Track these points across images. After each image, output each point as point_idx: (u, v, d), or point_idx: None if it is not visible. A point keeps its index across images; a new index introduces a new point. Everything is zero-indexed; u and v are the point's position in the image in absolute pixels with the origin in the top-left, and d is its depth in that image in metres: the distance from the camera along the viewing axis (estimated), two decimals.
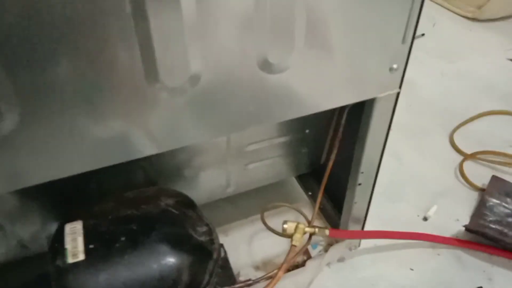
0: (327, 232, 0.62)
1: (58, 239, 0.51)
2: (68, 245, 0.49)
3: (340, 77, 0.47)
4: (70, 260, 0.48)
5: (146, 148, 0.42)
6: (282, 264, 0.57)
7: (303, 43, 0.42)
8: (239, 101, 0.43)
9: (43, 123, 0.36)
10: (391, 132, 1.00)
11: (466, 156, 0.96)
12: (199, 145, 0.66)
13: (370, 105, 0.54)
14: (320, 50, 0.44)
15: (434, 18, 1.50)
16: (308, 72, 0.45)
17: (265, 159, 0.73)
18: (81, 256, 0.48)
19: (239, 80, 0.41)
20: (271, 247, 0.76)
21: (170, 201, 0.55)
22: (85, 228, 0.51)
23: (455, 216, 0.84)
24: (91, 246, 0.49)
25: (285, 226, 0.59)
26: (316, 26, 0.42)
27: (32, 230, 0.61)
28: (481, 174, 0.92)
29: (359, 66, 0.47)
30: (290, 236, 0.59)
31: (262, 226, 0.80)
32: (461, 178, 0.92)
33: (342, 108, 0.61)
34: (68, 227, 0.51)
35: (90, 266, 0.48)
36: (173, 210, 0.54)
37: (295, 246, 0.56)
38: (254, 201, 0.83)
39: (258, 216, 0.81)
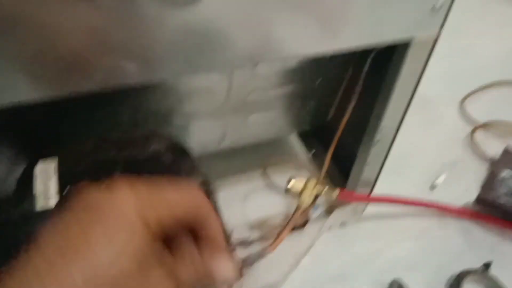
0: (336, 193, 0.55)
1: (26, 180, 0.42)
2: (38, 187, 0.41)
3: (364, 10, 0.38)
4: (41, 204, 0.40)
5: None
6: (286, 224, 0.50)
7: None
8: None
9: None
10: None
11: (477, 126, 0.89)
12: (193, 88, 0.57)
13: (402, 51, 0.46)
14: None
15: None
16: None
17: (268, 111, 0.65)
18: (53, 202, 0.40)
19: None
20: (268, 207, 0.70)
21: (161, 147, 0.47)
22: (59, 169, 0.43)
23: (464, 187, 0.79)
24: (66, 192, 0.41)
25: (291, 183, 0.52)
26: None
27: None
28: (492, 145, 0.86)
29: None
30: (296, 194, 0.52)
31: (258, 184, 0.73)
32: (471, 148, 0.86)
33: (364, 54, 0.53)
34: (39, 167, 0.43)
35: None
36: (164, 157, 0.46)
37: (300, 206, 0.49)
38: (249, 158, 0.76)
39: (254, 173, 0.74)
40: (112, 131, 0.49)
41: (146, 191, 0.27)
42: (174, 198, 0.28)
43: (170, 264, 0.28)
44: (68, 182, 0.42)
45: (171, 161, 0.46)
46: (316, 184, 0.50)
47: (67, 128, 0.50)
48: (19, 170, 0.47)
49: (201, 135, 0.64)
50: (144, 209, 0.26)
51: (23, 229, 0.40)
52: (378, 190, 0.66)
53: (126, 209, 0.26)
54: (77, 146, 0.46)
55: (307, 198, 0.49)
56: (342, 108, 0.56)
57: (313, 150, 0.75)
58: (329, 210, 0.68)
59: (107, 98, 0.51)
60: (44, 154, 0.44)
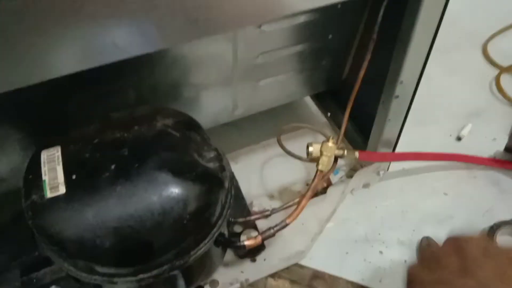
0: (356, 154, 0.53)
1: (32, 170, 0.41)
2: (45, 176, 0.40)
3: None
4: (49, 194, 0.39)
5: None
6: (306, 191, 0.48)
7: None
8: None
9: None
10: None
11: (502, 70, 0.84)
12: (199, 58, 0.54)
13: None
14: None
15: None
16: None
17: (279, 74, 0.61)
18: (62, 189, 0.39)
19: None
20: (287, 174, 0.68)
21: (169, 121, 0.45)
22: (65, 155, 0.41)
23: (491, 135, 0.75)
24: (73, 177, 0.39)
25: (310, 149, 0.49)
26: None
27: (10, 163, 0.52)
28: None
29: None
30: (315, 160, 0.49)
31: (276, 152, 0.71)
32: (497, 93, 0.81)
33: (375, 3, 0.49)
34: (44, 155, 0.41)
35: (74, 200, 0.38)
36: (173, 132, 0.44)
37: (321, 171, 0.47)
38: (263, 126, 0.73)
39: (270, 141, 0.72)
40: (118, 108, 0.47)
41: None
42: None
43: None
44: (75, 167, 0.40)
45: (180, 135, 0.44)
46: (335, 145, 0.47)
47: (71, 110, 0.48)
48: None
49: (212, 106, 0.61)
50: None
51: (36, 218, 0.39)
52: (401, 145, 0.63)
53: None
54: (81, 129, 0.44)
55: (325, 163, 0.47)
56: (357, 66, 0.53)
57: (329, 113, 0.72)
58: (351, 174, 0.65)
59: (111, 74, 0.48)
60: (49, 140, 0.43)
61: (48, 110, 0.48)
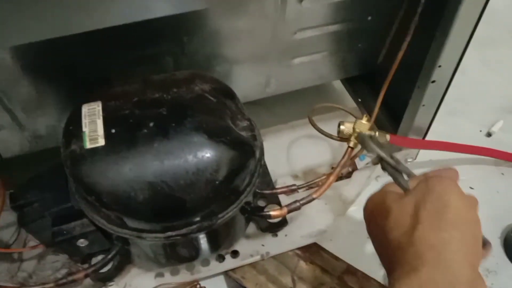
0: (387, 137, 0.52)
1: (73, 122, 0.42)
2: (85, 128, 0.41)
3: None
4: (88, 145, 0.40)
5: None
6: (336, 167, 0.48)
7: None
8: None
9: None
10: None
11: None
12: (238, 30, 0.54)
13: None
14: None
15: None
16: None
17: (314, 53, 0.61)
18: (101, 142, 0.40)
19: None
20: (313, 156, 0.68)
21: (207, 87, 0.45)
22: (105, 110, 0.42)
23: None
24: (113, 131, 0.41)
25: (342, 127, 0.50)
26: None
27: (48, 121, 0.54)
28: None
29: None
30: (346, 139, 0.49)
31: (303, 133, 0.71)
32: None
33: None
34: (85, 108, 0.43)
35: (112, 153, 0.39)
36: (210, 97, 0.45)
37: (352, 148, 0.47)
38: (292, 107, 0.73)
39: (298, 122, 0.72)
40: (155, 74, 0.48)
41: None
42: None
43: None
44: (115, 122, 0.41)
45: (217, 101, 0.45)
46: (369, 124, 0.47)
47: (111, 73, 0.49)
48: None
49: (245, 81, 0.62)
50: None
51: (74, 167, 0.40)
52: (430, 138, 0.62)
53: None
54: (121, 88, 0.45)
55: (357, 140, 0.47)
56: (393, 51, 0.52)
57: (359, 99, 0.72)
58: (376, 161, 0.65)
59: (150, 42, 0.49)
60: (89, 96, 0.44)
61: (87, 72, 0.49)
